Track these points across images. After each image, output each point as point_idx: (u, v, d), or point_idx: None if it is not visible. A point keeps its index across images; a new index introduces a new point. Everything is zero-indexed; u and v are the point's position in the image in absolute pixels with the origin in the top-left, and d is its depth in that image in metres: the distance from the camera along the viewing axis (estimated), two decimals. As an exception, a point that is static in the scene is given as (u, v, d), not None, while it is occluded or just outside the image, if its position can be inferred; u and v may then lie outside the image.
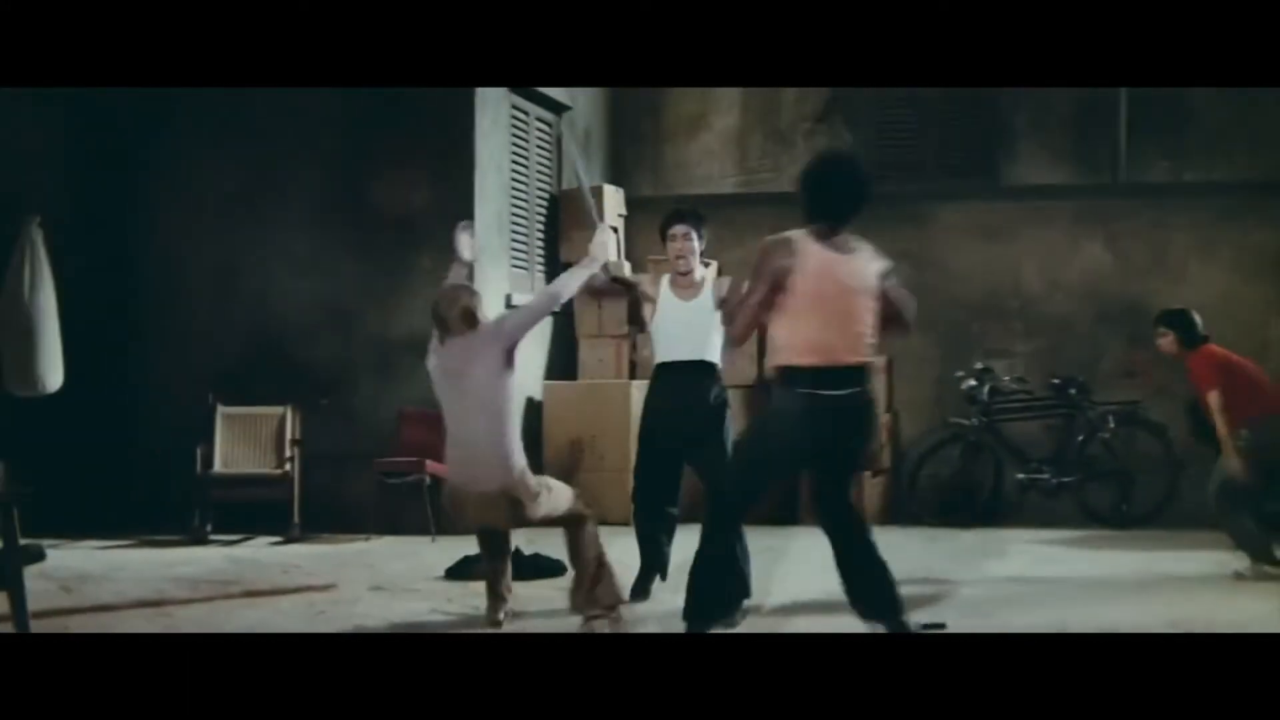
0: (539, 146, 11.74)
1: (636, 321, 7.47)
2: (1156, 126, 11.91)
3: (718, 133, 12.66)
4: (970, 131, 12.31)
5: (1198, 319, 8.53)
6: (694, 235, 7.22)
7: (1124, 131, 11.86)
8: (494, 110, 10.85)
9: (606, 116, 12.74)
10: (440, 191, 10.56)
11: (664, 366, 7.23)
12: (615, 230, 12.10)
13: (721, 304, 7.07)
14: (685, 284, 7.25)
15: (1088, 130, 12.06)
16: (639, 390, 11.17)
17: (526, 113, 11.48)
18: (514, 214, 11.25)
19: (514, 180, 11.24)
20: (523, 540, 8.62)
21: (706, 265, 7.65)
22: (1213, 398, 8.16)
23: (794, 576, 8.38)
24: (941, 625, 6.40)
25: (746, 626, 6.57)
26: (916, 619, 6.42)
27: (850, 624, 5.89)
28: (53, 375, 9.37)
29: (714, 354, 7.24)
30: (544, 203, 11.85)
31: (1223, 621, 6.66)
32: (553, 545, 8.60)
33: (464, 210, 10.51)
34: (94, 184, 10.84)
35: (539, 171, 11.74)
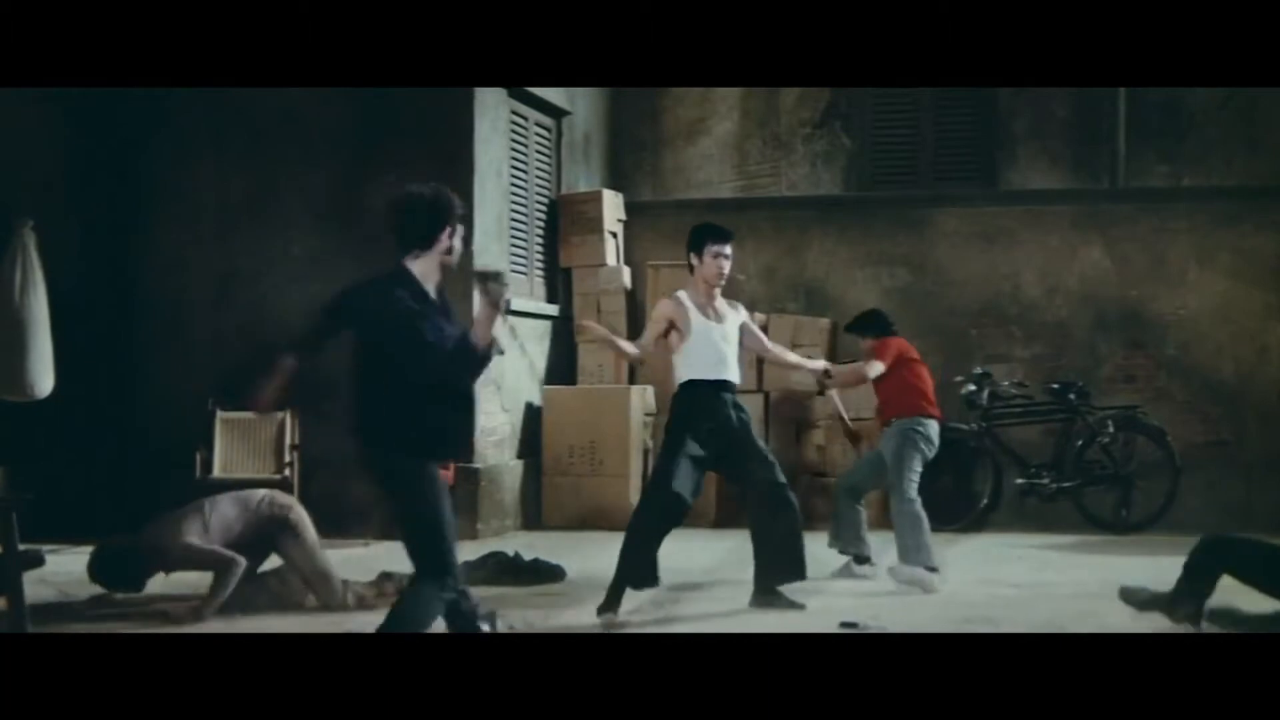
0: (538, 151, 11.74)
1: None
2: (1155, 132, 11.91)
3: (716, 138, 12.66)
4: (969, 136, 12.32)
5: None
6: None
7: (1123, 137, 11.87)
8: (493, 115, 10.85)
9: (606, 121, 12.74)
10: (439, 197, 10.54)
11: (697, 384, 7.09)
12: (614, 236, 12.11)
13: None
14: (712, 307, 7.18)
15: (1087, 135, 12.06)
16: (638, 395, 11.21)
17: (525, 118, 11.48)
18: (513, 219, 11.25)
19: (513, 185, 11.23)
20: (522, 546, 8.63)
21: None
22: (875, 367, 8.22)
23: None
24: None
25: (743, 626, 6.57)
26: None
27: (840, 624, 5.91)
28: (43, 380, 9.35)
29: (739, 375, 7.26)
30: (543, 207, 11.84)
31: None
32: (551, 550, 8.60)
33: (463, 215, 10.50)
34: (94, 188, 10.84)
35: (538, 176, 11.74)
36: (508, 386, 11.01)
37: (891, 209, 12.23)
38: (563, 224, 11.96)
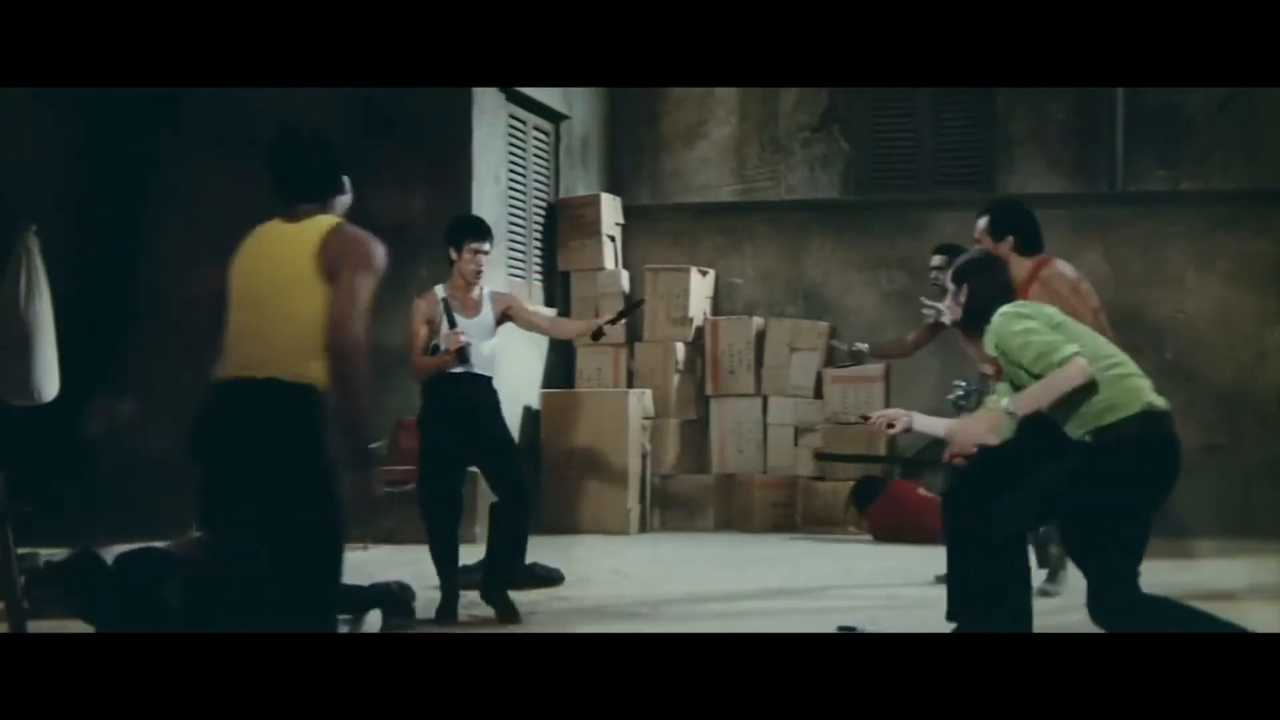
0: (536, 155, 11.75)
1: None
2: (1154, 135, 11.91)
3: (715, 141, 12.66)
4: (967, 140, 12.32)
5: None
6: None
7: (1121, 140, 11.86)
8: (491, 119, 10.85)
9: (604, 125, 12.74)
10: (438, 201, 10.55)
11: (448, 379, 7.15)
12: (613, 240, 12.12)
13: (503, 319, 7.31)
14: (468, 301, 7.23)
15: (1085, 139, 12.06)
16: (636, 399, 11.22)
17: (524, 122, 11.48)
18: (511, 223, 11.25)
19: (511, 189, 11.24)
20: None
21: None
22: None
23: (786, 579, 8.38)
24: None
25: (732, 627, 6.57)
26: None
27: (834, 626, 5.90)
28: (48, 384, 9.36)
29: (493, 367, 7.32)
30: (541, 211, 11.85)
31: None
32: (549, 553, 8.60)
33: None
34: (94, 193, 10.84)
35: (536, 180, 11.75)
36: (505, 390, 10.99)
37: (890, 213, 12.23)
38: (561, 228, 11.97)
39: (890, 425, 5.57)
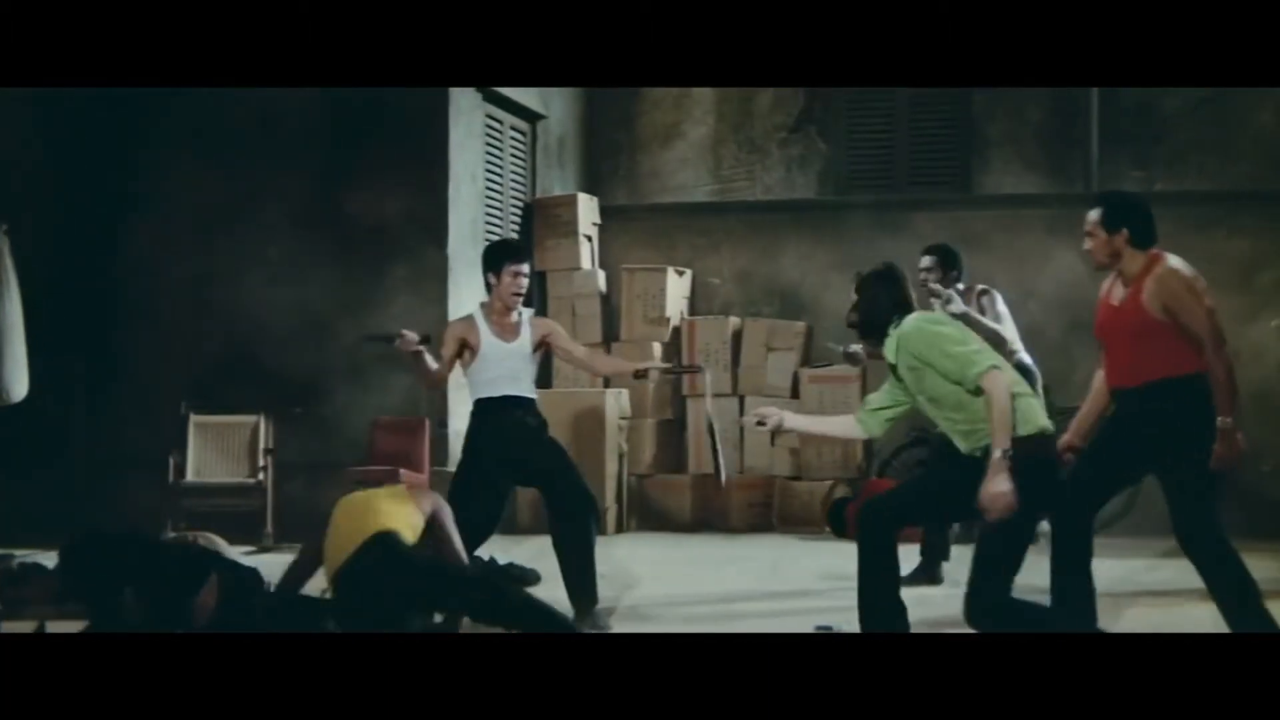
0: (513, 155, 11.74)
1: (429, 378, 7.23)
2: (1128, 136, 11.95)
3: (692, 142, 12.66)
4: (944, 141, 12.34)
5: None
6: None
7: (1096, 141, 11.90)
8: (468, 119, 10.84)
9: (581, 125, 12.73)
10: (415, 201, 10.55)
11: (497, 401, 7.08)
12: (589, 239, 12.11)
13: (541, 345, 7.21)
14: (507, 325, 7.15)
15: (1060, 139, 12.10)
16: (613, 399, 11.21)
17: (501, 121, 11.48)
18: (488, 223, 11.24)
19: (488, 189, 11.23)
20: (497, 550, 8.62)
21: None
22: None
23: (765, 580, 8.39)
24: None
25: (708, 627, 6.57)
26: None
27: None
28: (17, 385, 9.30)
29: (532, 390, 7.23)
30: (518, 211, 11.84)
31: (1200, 628, 6.67)
32: (526, 554, 8.59)
33: (438, 219, 10.51)
34: (70, 190, 10.79)
35: (513, 180, 11.74)
36: (483, 390, 10.98)
37: (866, 213, 12.25)
38: (537, 228, 11.96)
39: (760, 423, 5.83)
